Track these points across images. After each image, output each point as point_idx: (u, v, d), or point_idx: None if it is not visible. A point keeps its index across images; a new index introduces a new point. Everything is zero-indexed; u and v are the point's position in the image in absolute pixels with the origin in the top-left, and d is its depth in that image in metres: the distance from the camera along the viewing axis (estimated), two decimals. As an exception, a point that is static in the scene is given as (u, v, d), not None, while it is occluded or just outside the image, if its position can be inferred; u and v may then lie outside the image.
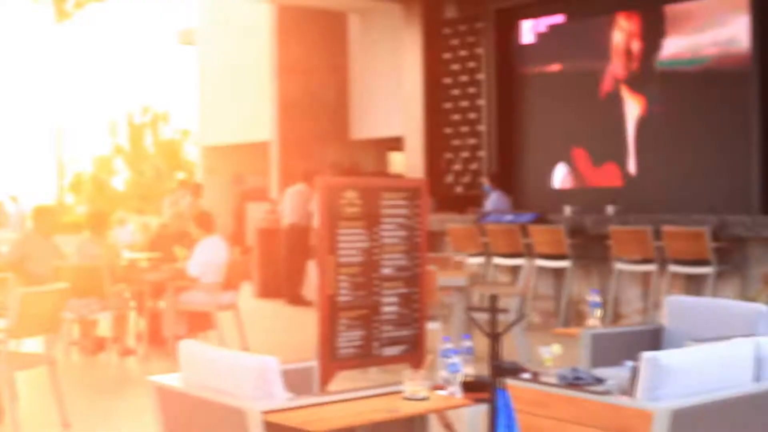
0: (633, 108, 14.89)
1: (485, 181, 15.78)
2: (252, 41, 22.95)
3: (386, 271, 7.09)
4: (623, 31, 15.09)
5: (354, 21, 21.09)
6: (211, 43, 25.29)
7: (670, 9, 14.43)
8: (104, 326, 11.69)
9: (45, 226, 11.58)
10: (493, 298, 4.40)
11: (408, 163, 17.83)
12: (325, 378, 6.49)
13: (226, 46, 24.54)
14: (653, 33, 14.62)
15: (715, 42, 13.93)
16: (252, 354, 4.83)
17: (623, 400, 4.77)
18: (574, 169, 15.75)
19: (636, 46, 14.87)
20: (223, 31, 24.70)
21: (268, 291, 17.42)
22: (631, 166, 14.85)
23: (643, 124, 14.75)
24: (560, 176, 16.01)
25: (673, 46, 14.38)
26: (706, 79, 13.99)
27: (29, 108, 73.04)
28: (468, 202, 16.07)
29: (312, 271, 16.17)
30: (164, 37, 79.22)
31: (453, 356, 5.46)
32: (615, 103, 15.09)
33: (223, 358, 4.92)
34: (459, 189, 17.18)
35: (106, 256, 11.20)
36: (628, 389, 5.02)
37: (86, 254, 11.24)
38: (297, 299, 16.47)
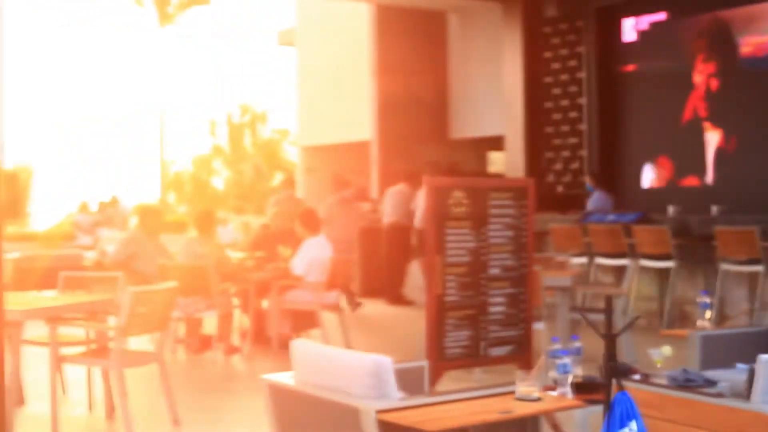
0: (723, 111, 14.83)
1: (588, 181, 15.68)
2: (351, 41, 23.04)
3: (493, 271, 7.11)
4: (715, 30, 14.98)
5: (453, 20, 21.06)
6: (310, 43, 25.44)
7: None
8: (209, 325, 11.83)
9: (150, 225, 11.76)
10: (609, 299, 4.38)
11: (508, 162, 17.77)
12: (434, 378, 6.51)
13: (325, 47, 24.67)
14: (741, 30, 14.51)
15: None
16: (366, 353, 4.86)
17: (739, 403, 4.71)
18: (662, 165, 15.66)
19: (728, 44, 14.75)
20: (322, 32, 24.83)
21: (368, 290, 17.46)
22: (725, 166, 14.74)
23: (735, 125, 14.64)
24: (649, 175, 15.94)
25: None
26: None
27: (132, 108, 74.32)
28: (569, 201, 15.98)
29: (413, 270, 16.22)
30: (264, 38, 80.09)
31: (563, 357, 5.43)
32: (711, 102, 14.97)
33: (337, 357, 4.96)
34: (560, 188, 17.09)
35: (213, 255, 11.33)
36: (744, 392, 4.97)
37: (193, 253, 11.37)
38: (398, 299, 16.50)
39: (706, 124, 14.94)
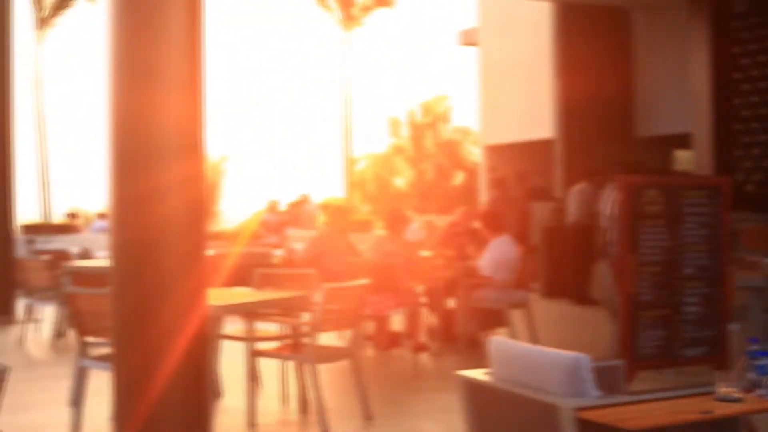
0: None
1: None
2: (533, 40, 22.95)
3: (688, 270, 7.03)
4: None
5: (637, 17, 20.80)
6: (492, 42, 25.43)
7: None
8: (397, 322, 11.96)
9: (339, 223, 11.97)
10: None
11: (696, 160, 17.46)
12: (629, 377, 6.48)
13: (508, 46, 24.62)
14: None
15: None
16: (564, 351, 4.88)
17: None
18: None
19: None
20: (505, 31, 24.80)
21: (554, 290, 17.37)
22: None
23: None
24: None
25: None
26: None
27: (315, 106, 75.53)
28: (760, 200, 15.61)
29: (600, 269, 16.03)
30: (445, 38, 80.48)
31: (762, 358, 5.33)
32: None
33: (535, 354, 4.99)
34: (749, 187, 16.70)
35: (402, 253, 11.46)
36: None
37: (383, 251, 11.52)
38: (583, 298, 16.37)
39: None
